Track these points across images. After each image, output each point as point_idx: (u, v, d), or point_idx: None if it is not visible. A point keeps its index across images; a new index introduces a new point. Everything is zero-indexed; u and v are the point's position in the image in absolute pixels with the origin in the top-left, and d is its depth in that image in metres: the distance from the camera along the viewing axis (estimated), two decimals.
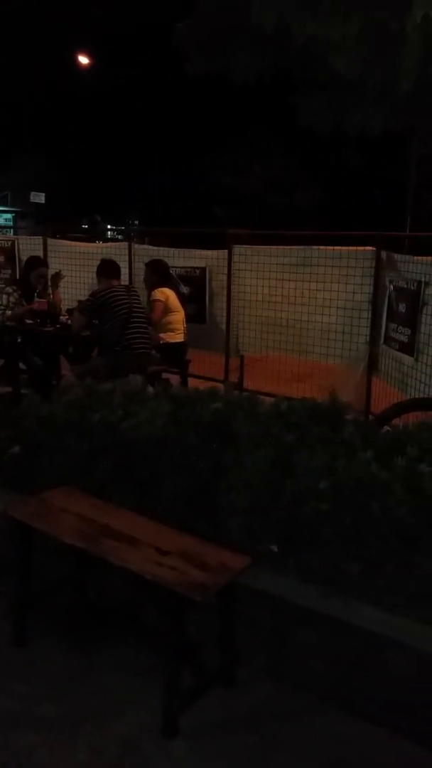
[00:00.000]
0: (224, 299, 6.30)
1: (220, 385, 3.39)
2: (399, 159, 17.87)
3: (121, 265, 5.96)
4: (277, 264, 5.91)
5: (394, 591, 2.27)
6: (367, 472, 2.36)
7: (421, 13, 3.39)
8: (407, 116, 5.12)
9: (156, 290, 5.79)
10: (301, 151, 19.27)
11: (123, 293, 5.35)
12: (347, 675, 2.24)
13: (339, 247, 5.64)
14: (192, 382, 5.65)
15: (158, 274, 5.96)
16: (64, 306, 6.22)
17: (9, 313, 5.83)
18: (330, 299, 5.58)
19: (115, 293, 5.30)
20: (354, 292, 5.43)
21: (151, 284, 5.93)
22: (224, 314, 6.32)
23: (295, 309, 5.82)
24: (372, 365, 5.43)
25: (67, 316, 5.95)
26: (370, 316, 5.37)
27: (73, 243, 7.98)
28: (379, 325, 5.36)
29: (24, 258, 7.22)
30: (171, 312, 5.78)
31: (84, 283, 6.99)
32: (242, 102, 18.30)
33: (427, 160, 16.75)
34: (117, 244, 8.28)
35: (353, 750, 2.10)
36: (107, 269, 5.56)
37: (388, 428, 3.07)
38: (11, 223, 25.59)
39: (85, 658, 2.49)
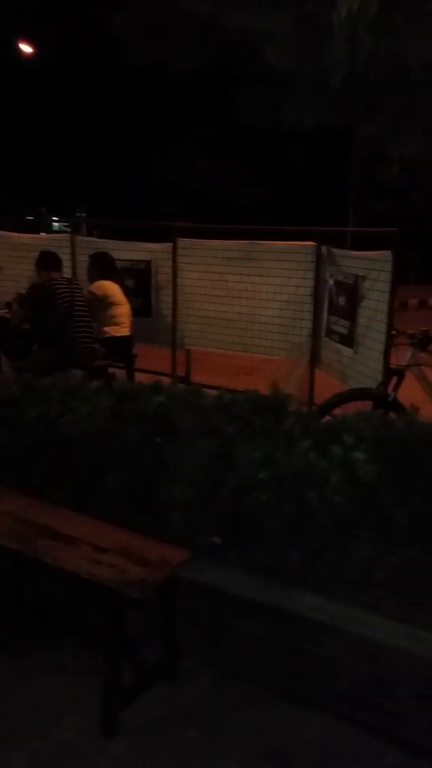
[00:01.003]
0: (170, 293, 6.26)
1: (166, 379, 3.35)
2: (342, 158, 18.16)
3: (64, 257, 5.84)
4: (221, 258, 5.92)
5: (334, 578, 2.30)
6: (306, 461, 2.38)
7: (345, 8, 3.44)
8: (341, 113, 5.22)
9: (95, 283, 5.69)
10: (247, 147, 19.35)
11: (64, 286, 5.24)
12: (287, 664, 2.26)
13: (281, 242, 5.68)
14: (138, 377, 5.59)
15: (100, 267, 5.86)
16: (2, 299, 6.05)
17: None
18: (273, 293, 5.62)
19: (57, 286, 5.19)
20: (296, 286, 5.48)
21: (92, 277, 5.84)
22: (170, 308, 6.28)
23: (239, 303, 5.84)
24: (315, 357, 5.50)
25: (5, 310, 5.79)
26: (312, 309, 5.43)
27: (15, 234, 7.78)
28: (320, 318, 5.43)
29: None
30: (115, 305, 5.69)
31: (25, 276, 6.81)
32: (189, 96, 18.24)
33: (367, 160, 17.09)
34: (60, 235, 8.12)
35: (293, 738, 2.11)
36: (47, 261, 5.43)
37: (329, 418, 3.11)
38: None
39: (23, 662, 2.43)
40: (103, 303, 5.58)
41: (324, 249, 5.33)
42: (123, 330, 5.73)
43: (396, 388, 4.21)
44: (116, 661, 2.11)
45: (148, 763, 2.01)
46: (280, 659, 2.28)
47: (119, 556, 2.22)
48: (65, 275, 5.80)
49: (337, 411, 3.76)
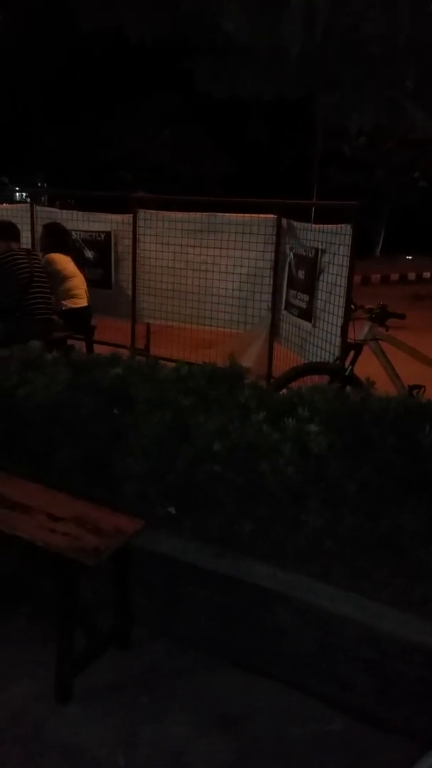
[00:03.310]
0: (130, 265, 6.20)
1: (126, 352, 3.34)
2: (306, 132, 18.07)
3: (24, 228, 5.71)
4: (181, 230, 5.87)
5: (285, 548, 2.35)
6: (259, 433, 2.41)
7: None
8: (300, 85, 5.16)
9: (46, 256, 5.58)
10: (209, 119, 19.10)
11: (23, 257, 5.14)
12: (238, 632, 2.32)
13: (241, 214, 5.66)
14: (98, 349, 5.54)
15: (51, 238, 5.77)
16: None
17: None
18: (233, 266, 5.61)
19: (15, 257, 5.08)
20: (256, 259, 5.48)
21: (44, 247, 5.74)
22: (130, 280, 6.23)
23: (198, 276, 5.82)
24: (273, 331, 5.53)
25: None
26: (271, 282, 5.45)
27: None
28: (279, 292, 5.45)
29: None
30: (68, 278, 5.62)
31: None
32: (149, 65, 17.82)
33: (331, 134, 17.04)
34: (19, 206, 7.93)
35: (242, 704, 2.17)
36: (4, 231, 5.30)
37: (285, 392, 3.15)
38: None
39: None
40: (57, 277, 5.50)
41: (285, 222, 5.34)
42: (80, 302, 5.67)
43: (353, 362, 4.27)
44: (69, 628, 2.13)
45: (101, 727, 2.04)
46: (231, 627, 2.33)
47: (74, 524, 2.23)
48: (24, 246, 5.68)
49: (294, 384, 3.81)
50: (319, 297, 4.82)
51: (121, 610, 2.36)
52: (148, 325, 6.30)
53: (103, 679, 2.22)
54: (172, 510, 2.56)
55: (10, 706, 2.09)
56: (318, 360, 4.68)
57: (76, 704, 2.12)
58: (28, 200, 7.65)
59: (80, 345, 5.55)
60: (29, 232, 6.54)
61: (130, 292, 6.25)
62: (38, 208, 7.03)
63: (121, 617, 2.36)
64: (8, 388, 2.91)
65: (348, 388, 3.60)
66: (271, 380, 4.84)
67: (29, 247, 6.24)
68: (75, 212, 6.71)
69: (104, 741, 1.99)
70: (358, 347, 4.28)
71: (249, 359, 5.12)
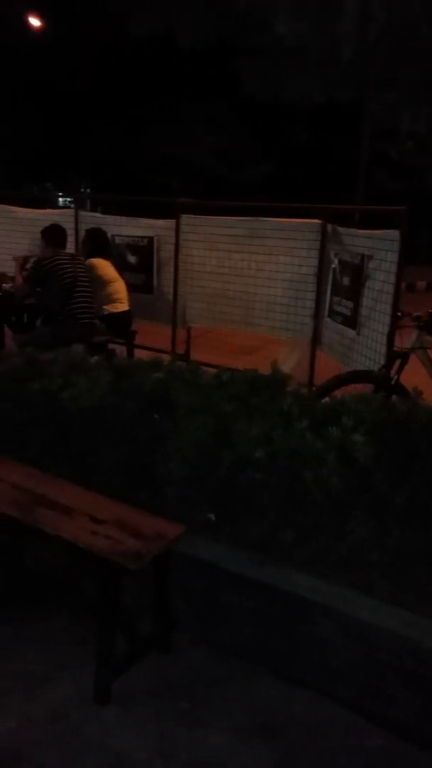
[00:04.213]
0: (171, 270, 6.23)
1: (166, 356, 3.36)
2: (350, 134, 17.90)
3: (67, 233, 5.81)
4: (224, 235, 5.87)
5: (326, 558, 2.32)
6: (302, 441, 2.39)
7: None
8: (351, 88, 5.12)
9: (87, 262, 5.65)
10: (252, 122, 19.09)
11: (68, 261, 5.24)
12: (278, 641, 2.29)
13: (286, 219, 5.63)
14: (138, 353, 5.60)
15: (92, 243, 5.84)
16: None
17: None
18: (276, 271, 5.59)
19: (60, 261, 5.18)
20: (300, 265, 5.44)
21: (85, 252, 5.83)
22: (171, 285, 6.26)
23: (241, 281, 5.81)
24: (316, 338, 5.48)
25: (9, 284, 5.78)
26: (315, 288, 5.40)
27: (18, 209, 7.73)
28: (323, 299, 5.40)
29: None
30: (110, 282, 5.68)
31: (29, 251, 6.78)
32: (194, 69, 17.92)
33: (378, 137, 16.84)
34: (64, 211, 8.07)
35: (282, 714, 2.15)
36: (54, 236, 5.42)
37: (328, 400, 3.11)
38: None
39: (19, 627, 2.47)
40: (99, 282, 5.57)
41: (329, 227, 5.29)
42: (121, 306, 5.73)
43: (399, 371, 4.19)
44: (110, 631, 2.14)
45: (139, 732, 2.05)
46: (271, 636, 2.31)
47: (116, 527, 2.24)
48: (68, 251, 5.79)
49: (337, 393, 3.76)
50: (365, 304, 4.75)
51: (161, 614, 2.36)
52: (188, 330, 6.32)
53: (142, 683, 2.23)
54: (212, 516, 2.55)
55: (51, 706, 2.11)
56: (362, 368, 4.61)
57: (114, 707, 2.12)
58: (72, 205, 7.77)
59: (120, 349, 5.60)
60: (73, 237, 6.64)
61: (171, 297, 6.28)
62: (82, 213, 7.15)
63: (161, 622, 2.37)
64: (53, 391, 2.95)
65: (393, 397, 3.53)
66: (313, 388, 4.79)
67: (73, 252, 6.34)
68: (118, 217, 6.80)
69: (143, 745, 1.99)
70: (404, 356, 4.20)
71: (290, 366, 5.08)
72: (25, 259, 5.81)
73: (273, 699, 2.20)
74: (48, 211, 8.35)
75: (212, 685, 2.25)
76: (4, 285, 5.83)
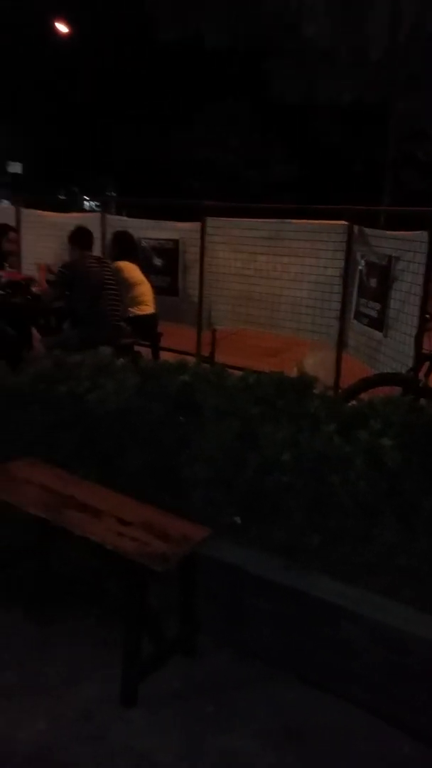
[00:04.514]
0: (197, 272, 6.24)
1: (191, 359, 3.37)
2: (376, 134, 17.76)
3: (94, 236, 5.86)
4: (250, 237, 5.86)
5: (353, 562, 2.30)
6: (330, 445, 2.37)
7: None
8: (380, 88, 5.08)
9: (114, 264, 5.69)
10: (277, 123, 19.04)
11: (95, 264, 5.28)
12: (303, 645, 2.28)
13: (312, 221, 5.61)
14: (164, 355, 5.62)
15: (119, 246, 5.88)
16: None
17: None
18: (302, 273, 5.56)
19: (88, 264, 5.23)
20: (326, 267, 5.41)
21: (112, 255, 5.86)
22: (197, 287, 6.27)
23: (267, 283, 5.80)
24: (341, 340, 5.44)
25: (37, 288, 5.85)
26: (341, 290, 5.37)
27: (46, 213, 7.82)
28: (349, 300, 5.36)
29: None
30: (136, 285, 5.71)
31: (55, 254, 6.87)
32: (219, 71, 17.95)
33: (406, 138, 16.68)
34: (90, 214, 8.15)
35: (308, 719, 2.13)
36: (82, 238, 5.47)
37: (355, 403, 3.09)
38: None
39: (47, 628, 2.49)
40: (125, 284, 5.60)
41: (356, 228, 5.25)
42: (146, 309, 5.76)
43: (428, 373, 4.14)
44: (137, 633, 2.15)
45: (165, 734, 2.05)
46: (297, 641, 2.29)
47: (142, 529, 2.25)
48: (95, 254, 5.84)
49: (364, 396, 3.73)
50: (392, 306, 4.70)
51: (187, 617, 2.37)
52: (213, 333, 6.32)
53: (167, 685, 2.23)
54: (238, 519, 2.55)
55: (79, 706, 2.13)
56: (389, 371, 4.56)
57: (141, 709, 2.13)
58: (98, 209, 7.84)
59: (146, 351, 5.63)
60: (99, 241, 6.70)
61: (196, 299, 6.29)
62: (108, 216, 7.20)
63: (186, 624, 2.37)
64: (80, 393, 2.97)
65: (422, 400, 3.49)
66: (339, 391, 4.76)
67: (100, 255, 6.39)
68: (144, 220, 6.83)
69: (169, 748, 2.00)
70: None
71: (315, 368, 5.05)
72: (49, 265, 5.86)
73: (299, 703, 2.19)
74: (75, 214, 8.44)
75: (237, 689, 2.24)
76: (32, 288, 5.91)
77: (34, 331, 5.96)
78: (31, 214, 7.62)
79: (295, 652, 2.31)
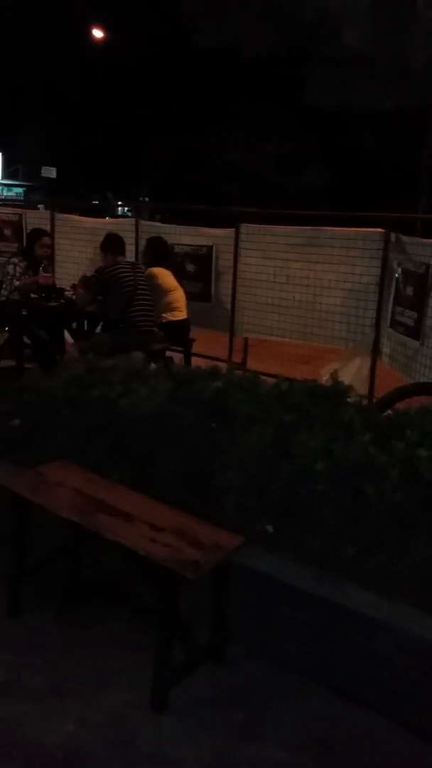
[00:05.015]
0: (230, 278, 6.25)
1: (223, 365, 3.36)
2: (414, 141, 17.58)
3: (128, 241, 5.91)
4: (284, 244, 5.85)
5: (388, 574, 2.26)
6: (365, 454, 2.34)
7: None
8: (420, 95, 5.02)
9: (147, 271, 5.71)
10: (312, 130, 19.00)
11: (128, 270, 5.31)
12: (336, 656, 2.25)
13: (347, 228, 5.57)
14: (195, 361, 5.62)
15: (153, 252, 5.91)
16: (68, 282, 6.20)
17: (17, 283, 5.79)
18: (336, 281, 5.52)
19: (121, 270, 5.27)
20: (361, 275, 5.36)
21: (146, 261, 5.90)
22: (230, 294, 6.27)
23: (300, 290, 5.77)
24: (376, 349, 5.38)
25: (71, 292, 5.92)
26: (377, 299, 5.31)
27: (80, 218, 7.93)
28: (385, 309, 5.30)
29: None
30: (169, 291, 5.74)
31: (89, 259, 6.95)
32: (253, 78, 18.00)
33: None
34: (124, 220, 8.23)
35: (338, 731, 2.10)
36: (114, 245, 5.51)
37: (390, 412, 3.05)
38: (22, 198, 25.49)
39: (78, 632, 2.51)
40: (158, 290, 5.63)
41: (393, 236, 5.19)
42: (179, 314, 5.78)
43: None
44: (168, 639, 2.15)
45: (196, 741, 2.04)
46: (329, 652, 2.26)
47: (174, 536, 2.24)
48: (128, 259, 5.88)
49: (400, 405, 3.67)
50: (429, 314, 4.63)
51: (219, 625, 2.35)
52: (245, 339, 6.31)
53: (197, 692, 2.22)
54: (270, 528, 2.53)
55: (108, 710, 2.13)
56: (426, 380, 4.49)
57: (171, 715, 2.12)
58: (131, 214, 7.91)
59: (177, 357, 5.64)
60: (133, 246, 6.75)
61: (229, 306, 6.29)
62: (142, 222, 7.26)
63: (218, 632, 2.36)
64: (113, 398, 2.99)
65: None
66: (374, 400, 4.70)
67: (133, 260, 6.44)
68: (177, 226, 6.87)
69: (199, 756, 1.99)
70: None
71: (349, 377, 5.01)
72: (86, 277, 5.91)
73: (330, 715, 2.16)
74: (109, 220, 8.54)
75: (268, 698, 2.22)
76: (66, 292, 5.98)
77: (67, 335, 6.03)
78: (65, 219, 7.72)
79: (326, 663, 2.28)
